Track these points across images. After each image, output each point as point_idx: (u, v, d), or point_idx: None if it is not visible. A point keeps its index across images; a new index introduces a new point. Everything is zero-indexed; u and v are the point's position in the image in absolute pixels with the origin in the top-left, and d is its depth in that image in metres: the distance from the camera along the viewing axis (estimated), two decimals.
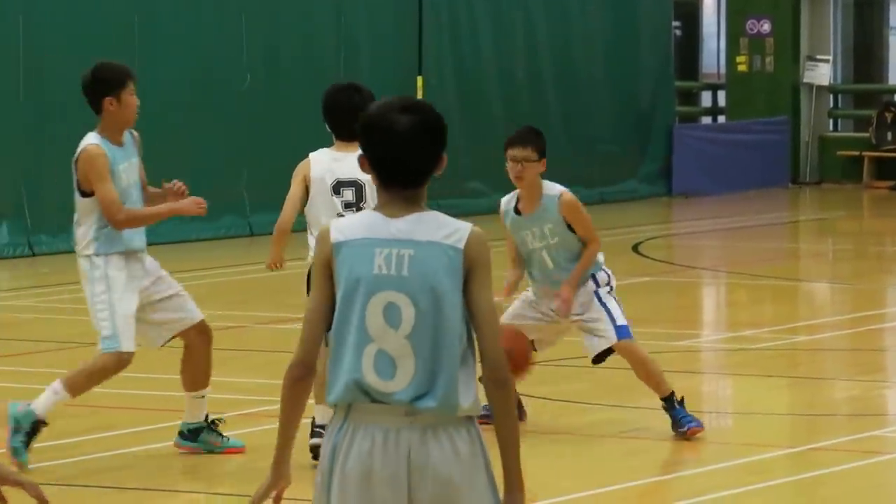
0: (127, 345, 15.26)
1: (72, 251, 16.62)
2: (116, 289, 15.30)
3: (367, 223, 8.04)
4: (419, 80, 34.47)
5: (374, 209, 8.12)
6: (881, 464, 16.18)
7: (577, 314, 16.70)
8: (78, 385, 15.45)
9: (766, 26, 39.31)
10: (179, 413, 16.08)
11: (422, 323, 7.85)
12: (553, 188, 15.98)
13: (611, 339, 15.85)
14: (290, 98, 33.30)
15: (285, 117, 32.86)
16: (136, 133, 15.40)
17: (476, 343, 8.03)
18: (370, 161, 8.01)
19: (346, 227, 8.02)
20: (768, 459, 16.79)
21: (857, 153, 38.78)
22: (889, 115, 39.02)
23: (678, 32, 40.78)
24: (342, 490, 7.92)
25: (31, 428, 15.35)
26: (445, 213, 8.59)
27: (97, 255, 14.77)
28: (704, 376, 22.02)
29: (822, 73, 39.71)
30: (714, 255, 31.08)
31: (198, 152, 31.67)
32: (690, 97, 42.26)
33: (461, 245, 7.89)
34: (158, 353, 16.53)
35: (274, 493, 8.02)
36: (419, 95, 33.40)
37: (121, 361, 15.15)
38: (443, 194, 33.28)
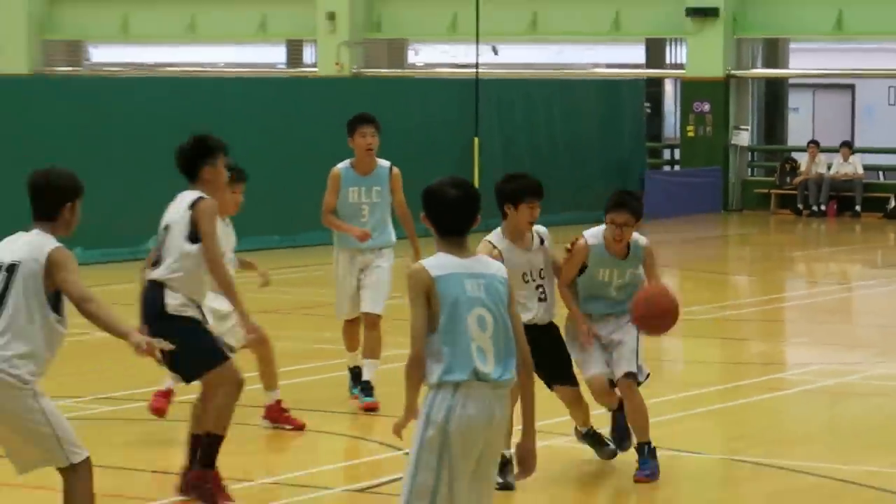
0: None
1: None
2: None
3: (451, 263, 8.21)
4: (475, 140, 33.10)
5: (442, 252, 8.29)
6: (783, 396, 16.44)
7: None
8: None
9: (706, 107, 38.12)
10: None
11: (496, 327, 8.11)
12: (640, 238, 13.33)
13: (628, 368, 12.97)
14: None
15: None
16: None
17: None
18: (430, 220, 8.31)
19: (438, 265, 8.17)
20: (704, 393, 16.92)
21: (766, 191, 38.25)
22: (787, 166, 38.43)
23: (648, 110, 39.69)
24: (461, 438, 8.08)
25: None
26: None
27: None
28: (662, 338, 19.60)
29: (743, 138, 38.87)
30: (670, 256, 28.92)
31: None
32: (656, 153, 41.32)
33: (505, 277, 8.30)
34: None
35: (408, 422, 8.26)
36: (476, 153, 33.16)
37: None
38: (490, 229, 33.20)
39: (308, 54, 42.74)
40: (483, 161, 32.96)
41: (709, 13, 37.87)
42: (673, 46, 40.54)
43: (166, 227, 11.38)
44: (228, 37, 43.27)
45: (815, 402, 16.61)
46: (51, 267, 8.96)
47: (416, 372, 8.24)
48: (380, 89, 35.19)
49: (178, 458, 11.99)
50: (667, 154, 41.48)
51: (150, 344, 9.33)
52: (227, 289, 11.51)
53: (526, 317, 11.78)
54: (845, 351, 19.89)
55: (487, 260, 8.60)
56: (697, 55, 38.69)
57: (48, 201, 9.05)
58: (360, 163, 14.99)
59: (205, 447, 11.15)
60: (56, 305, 9.16)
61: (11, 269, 9.01)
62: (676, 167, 40.26)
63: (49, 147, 25.36)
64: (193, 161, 11.32)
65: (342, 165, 15.07)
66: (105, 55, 45.53)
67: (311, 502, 12.63)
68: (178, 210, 11.92)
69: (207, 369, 11.26)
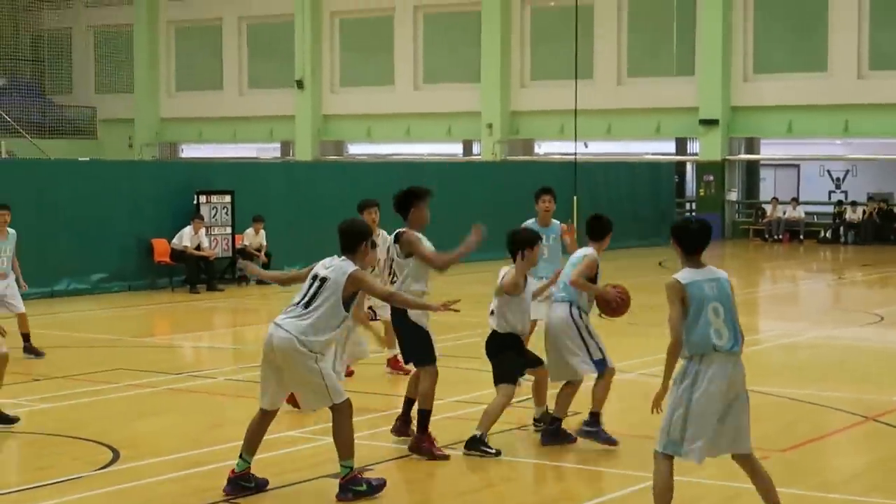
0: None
1: None
2: None
3: (694, 273, 7.43)
4: (575, 198, 32.42)
5: (687, 267, 7.46)
6: (757, 350, 15.26)
7: None
8: None
9: (711, 178, 38.78)
10: None
11: (727, 315, 7.36)
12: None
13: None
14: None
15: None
16: None
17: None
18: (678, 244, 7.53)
19: (686, 276, 7.39)
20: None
21: (746, 227, 38.37)
22: (759, 212, 38.95)
23: (676, 180, 40.00)
24: (706, 397, 7.22)
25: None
26: None
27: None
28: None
29: (733, 195, 39.51)
30: None
31: None
32: (681, 205, 40.61)
33: (727, 278, 7.57)
34: None
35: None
36: (575, 206, 32.25)
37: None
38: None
39: (475, 148, 42.72)
40: (578, 211, 32.84)
41: (712, 122, 38.23)
42: (691, 142, 40.45)
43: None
44: (430, 137, 42.71)
45: (777, 353, 15.65)
46: (348, 282, 8.42)
47: (675, 351, 7.34)
48: (518, 169, 35.62)
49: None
50: (688, 205, 40.90)
51: (445, 305, 8.86)
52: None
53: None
54: (794, 321, 19.28)
55: (713, 269, 7.60)
56: (706, 147, 38.92)
57: (351, 240, 8.55)
58: (542, 220, 13.40)
59: (419, 418, 9.76)
60: (347, 306, 8.49)
61: (323, 280, 8.41)
62: (694, 213, 38.94)
63: (329, 207, 25.07)
64: (407, 200, 10.23)
65: (530, 222, 13.01)
66: (357, 149, 45.49)
67: None
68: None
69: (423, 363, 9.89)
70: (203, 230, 24.20)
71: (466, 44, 42.32)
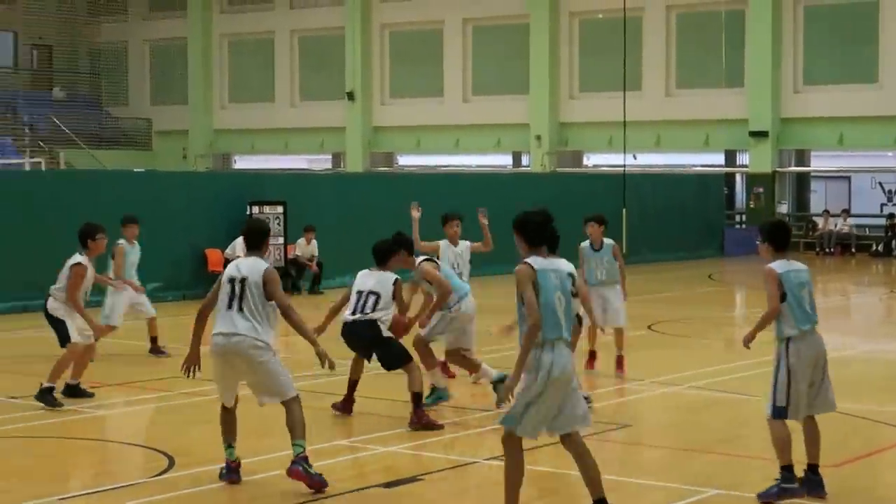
0: None
1: None
2: None
3: (543, 262, 7.48)
4: (624, 210, 32.67)
5: (533, 257, 7.48)
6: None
7: None
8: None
9: (761, 190, 38.11)
10: None
11: (566, 304, 7.45)
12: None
13: None
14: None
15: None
16: None
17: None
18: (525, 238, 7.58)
19: (537, 263, 7.41)
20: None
21: (797, 240, 36.73)
22: (810, 225, 38.48)
23: (726, 192, 39.33)
24: (552, 382, 7.37)
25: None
26: None
27: None
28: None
29: (783, 208, 39.01)
30: (745, 277, 29.01)
31: None
32: (731, 217, 40.18)
33: (572, 270, 7.65)
34: None
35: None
36: (624, 217, 32.48)
37: None
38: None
39: (524, 160, 42.48)
40: (628, 222, 32.94)
41: (762, 134, 37.75)
42: (741, 154, 39.95)
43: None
44: (479, 149, 43.12)
45: (842, 362, 14.34)
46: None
47: (533, 335, 7.43)
48: (567, 181, 35.57)
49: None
50: (738, 217, 40.48)
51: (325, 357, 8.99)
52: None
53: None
54: (846, 335, 18.49)
55: (558, 260, 7.73)
56: (756, 159, 38.39)
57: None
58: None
59: (416, 400, 10.86)
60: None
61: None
62: (743, 225, 39.40)
63: (379, 218, 24.87)
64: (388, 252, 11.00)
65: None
66: (406, 161, 45.32)
67: None
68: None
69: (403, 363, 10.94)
70: (315, 241, 24.96)
71: (515, 55, 42.16)
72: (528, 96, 41.79)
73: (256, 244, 9.15)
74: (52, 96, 48.14)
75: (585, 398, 10.46)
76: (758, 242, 8.56)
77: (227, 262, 23.57)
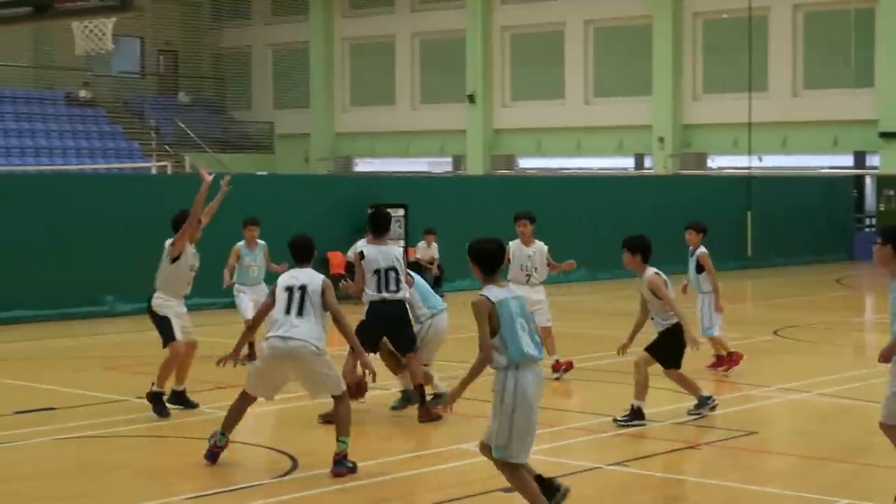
0: None
1: None
2: None
3: (499, 291, 7.63)
4: (749, 213, 32.66)
5: (490, 285, 7.63)
6: None
7: None
8: None
9: (892, 192, 37.14)
10: None
11: (529, 327, 7.61)
12: None
13: None
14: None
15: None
16: None
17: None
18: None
19: (492, 293, 7.58)
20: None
21: None
22: None
23: (855, 194, 38.64)
24: (524, 404, 7.50)
25: None
26: None
27: None
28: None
29: None
30: (875, 279, 27.81)
31: None
32: (861, 220, 39.17)
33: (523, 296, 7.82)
34: None
35: None
36: (749, 221, 32.51)
37: None
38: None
39: (647, 162, 41.87)
40: (753, 225, 33.12)
41: (893, 135, 36.90)
42: (870, 156, 38.97)
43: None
44: (596, 151, 42.57)
45: None
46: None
47: (481, 368, 7.67)
48: (691, 183, 35.11)
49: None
50: (868, 220, 39.41)
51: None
52: None
53: None
54: None
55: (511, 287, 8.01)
56: (886, 160, 37.66)
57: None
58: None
59: (421, 394, 11.50)
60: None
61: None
62: (874, 228, 38.03)
63: (500, 221, 25.89)
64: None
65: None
66: (527, 163, 44.66)
67: None
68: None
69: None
70: (435, 244, 25.28)
71: (637, 57, 42.01)
72: (651, 98, 41.63)
73: (306, 257, 9.90)
74: (177, 101, 49.14)
75: (707, 399, 11.41)
76: (876, 245, 8.13)
77: (348, 264, 23.89)
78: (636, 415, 11.27)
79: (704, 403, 11.58)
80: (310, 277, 9.61)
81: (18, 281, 20.82)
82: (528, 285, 13.71)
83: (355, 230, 24.10)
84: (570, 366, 14.23)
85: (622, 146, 42.61)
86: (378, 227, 11.82)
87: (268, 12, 51.54)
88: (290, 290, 9.53)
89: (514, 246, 13.86)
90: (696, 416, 11.38)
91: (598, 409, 12.17)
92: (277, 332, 9.50)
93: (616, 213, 29.61)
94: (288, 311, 9.47)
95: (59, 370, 15.77)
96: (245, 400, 9.87)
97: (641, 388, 11.30)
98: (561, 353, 14.16)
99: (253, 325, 10.66)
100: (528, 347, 7.61)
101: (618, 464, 9.74)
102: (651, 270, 11.31)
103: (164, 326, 12.03)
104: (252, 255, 15.99)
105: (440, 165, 46.52)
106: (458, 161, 46.44)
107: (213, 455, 9.82)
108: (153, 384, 12.03)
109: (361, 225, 24.58)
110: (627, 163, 43.25)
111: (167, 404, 12.12)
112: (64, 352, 17.73)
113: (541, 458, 9.76)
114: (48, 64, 46.26)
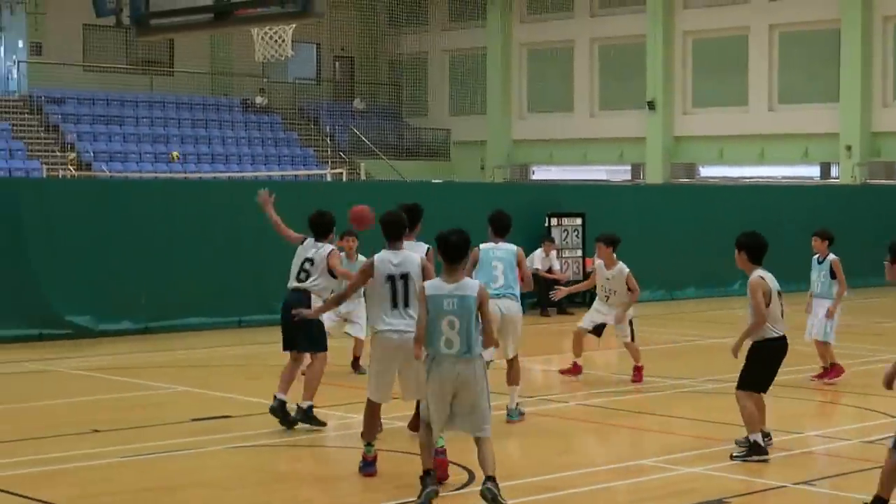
0: None
1: None
2: None
3: (438, 284, 8.48)
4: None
5: (437, 279, 8.56)
6: None
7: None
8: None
9: None
10: None
11: (461, 324, 8.34)
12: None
13: None
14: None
15: None
16: None
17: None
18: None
19: (429, 286, 8.50)
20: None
21: None
22: None
23: None
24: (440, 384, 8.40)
25: None
26: None
27: None
28: None
29: None
30: None
31: None
32: None
33: (475, 294, 8.45)
34: None
35: None
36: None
37: None
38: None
39: (833, 171, 41.10)
40: None
41: None
42: None
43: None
44: (785, 160, 41.80)
45: None
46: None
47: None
48: (881, 193, 34.13)
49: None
50: None
51: None
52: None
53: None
54: None
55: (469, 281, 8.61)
56: None
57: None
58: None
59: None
60: None
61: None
62: None
63: (681, 230, 26.24)
64: None
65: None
66: (708, 172, 44.03)
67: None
68: None
69: None
70: (554, 253, 24.54)
71: (824, 63, 41.21)
72: (838, 104, 40.72)
73: (398, 235, 9.56)
74: (352, 107, 49.69)
75: (766, 435, 10.54)
76: (885, 262, 7.98)
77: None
78: (754, 449, 10.39)
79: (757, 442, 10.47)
80: (408, 262, 9.43)
81: (193, 288, 21.05)
82: (607, 304, 14.95)
83: (533, 239, 24.07)
84: (576, 370, 15.06)
85: (808, 154, 41.90)
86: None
87: (445, 18, 51.80)
88: (391, 279, 9.36)
89: (597, 265, 14.99)
90: (742, 456, 10.42)
91: (787, 427, 11.97)
92: (391, 325, 9.41)
93: (801, 224, 28.85)
94: (395, 306, 9.36)
95: (233, 378, 15.95)
96: (372, 406, 9.84)
97: (753, 419, 10.37)
98: (717, 366, 14.10)
99: (339, 299, 10.70)
100: (440, 345, 8.38)
101: (802, 483, 9.61)
102: (756, 273, 10.38)
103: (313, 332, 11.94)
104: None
105: (618, 174, 46.18)
106: (636, 169, 46.02)
107: (367, 465, 9.75)
108: (299, 404, 11.88)
109: (539, 234, 24.61)
110: (813, 172, 42.52)
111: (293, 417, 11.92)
112: (239, 359, 17.90)
113: (719, 474, 9.81)
114: (225, 70, 47.18)
